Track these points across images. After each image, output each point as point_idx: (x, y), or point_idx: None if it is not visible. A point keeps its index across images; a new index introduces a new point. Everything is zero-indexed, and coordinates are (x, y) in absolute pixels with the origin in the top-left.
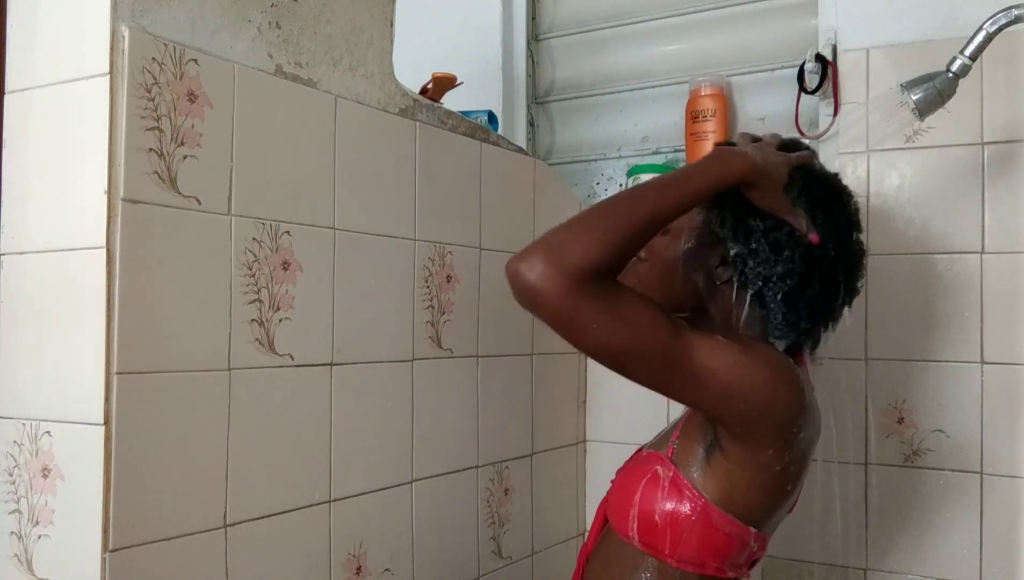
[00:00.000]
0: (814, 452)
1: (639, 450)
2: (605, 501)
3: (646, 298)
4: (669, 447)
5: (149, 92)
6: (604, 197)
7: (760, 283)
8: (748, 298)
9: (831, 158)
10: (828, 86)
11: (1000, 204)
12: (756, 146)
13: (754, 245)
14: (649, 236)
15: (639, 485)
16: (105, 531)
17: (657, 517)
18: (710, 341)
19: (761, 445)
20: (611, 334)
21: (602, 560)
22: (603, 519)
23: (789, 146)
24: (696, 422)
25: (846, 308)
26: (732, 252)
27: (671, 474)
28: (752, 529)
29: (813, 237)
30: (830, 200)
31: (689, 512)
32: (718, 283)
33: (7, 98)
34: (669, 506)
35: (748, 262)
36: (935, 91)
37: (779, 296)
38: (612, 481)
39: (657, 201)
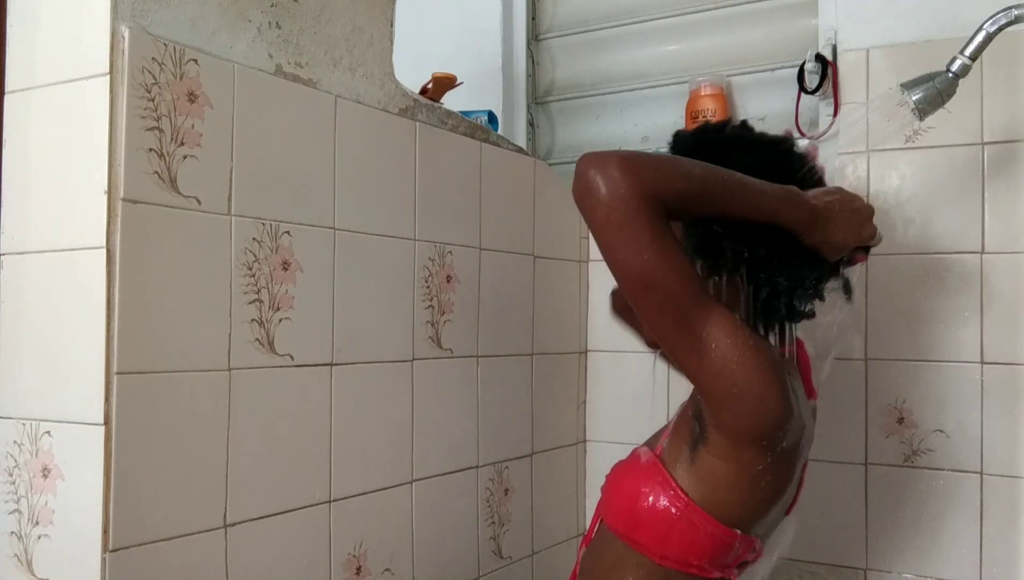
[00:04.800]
0: (803, 459)
1: (635, 448)
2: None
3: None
4: (659, 445)
5: (149, 92)
6: None
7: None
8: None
9: (831, 158)
10: (828, 86)
11: (1000, 204)
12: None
13: None
14: (701, 211)
15: (628, 481)
16: (105, 531)
17: (642, 514)
18: (729, 316)
19: (744, 440)
20: (648, 259)
21: (596, 552)
22: (600, 512)
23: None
24: (686, 420)
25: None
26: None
27: (658, 472)
28: (736, 532)
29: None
30: None
31: (673, 511)
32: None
33: (7, 98)
34: (654, 503)
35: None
36: (935, 91)
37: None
38: (607, 476)
39: (731, 190)
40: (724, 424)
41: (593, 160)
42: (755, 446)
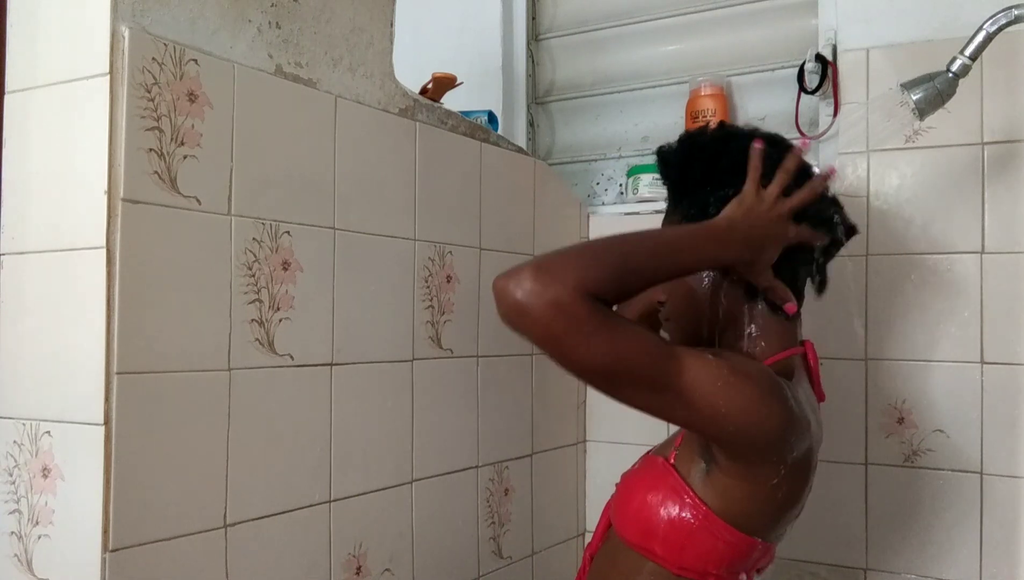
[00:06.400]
0: (815, 462)
1: (647, 453)
2: (610, 502)
3: (636, 323)
4: (672, 453)
5: (149, 92)
6: (604, 197)
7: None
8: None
9: (831, 158)
10: (828, 86)
11: (1000, 204)
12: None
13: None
14: (634, 283)
15: (642, 489)
16: (105, 531)
17: (658, 523)
18: (700, 360)
19: (755, 461)
20: (605, 351)
21: (605, 561)
22: (608, 519)
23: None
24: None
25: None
26: None
27: (673, 480)
28: (757, 540)
29: (790, 307)
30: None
31: (691, 519)
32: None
33: (7, 98)
34: (670, 512)
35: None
36: (935, 91)
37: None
38: (617, 484)
39: (649, 260)
40: (733, 454)
41: (508, 280)
42: (767, 463)
